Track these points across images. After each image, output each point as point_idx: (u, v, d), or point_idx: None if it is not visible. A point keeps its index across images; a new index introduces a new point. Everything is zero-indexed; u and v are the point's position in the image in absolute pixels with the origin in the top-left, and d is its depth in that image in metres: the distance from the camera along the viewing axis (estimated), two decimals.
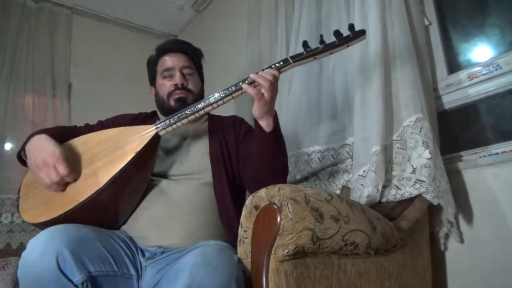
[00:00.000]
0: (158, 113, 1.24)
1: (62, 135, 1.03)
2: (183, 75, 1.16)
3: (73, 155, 0.98)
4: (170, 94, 1.14)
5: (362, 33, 0.94)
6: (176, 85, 1.14)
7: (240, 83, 0.94)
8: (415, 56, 1.15)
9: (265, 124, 0.94)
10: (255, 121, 0.96)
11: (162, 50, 1.21)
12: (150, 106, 1.28)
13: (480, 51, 1.23)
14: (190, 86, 1.16)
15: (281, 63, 0.94)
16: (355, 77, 1.26)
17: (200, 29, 2.69)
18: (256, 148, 0.98)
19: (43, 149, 0.93)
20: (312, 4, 1.57)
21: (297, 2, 1.64)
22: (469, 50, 1.26)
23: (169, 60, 1.17)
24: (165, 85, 1.16)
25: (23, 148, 1.01)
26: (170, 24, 2.89)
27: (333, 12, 1.47)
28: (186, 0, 2.62)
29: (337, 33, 0.91)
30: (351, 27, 0.92)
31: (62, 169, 0.90)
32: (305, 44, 0.94)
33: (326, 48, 0.93)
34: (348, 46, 0.94)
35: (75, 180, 0.94)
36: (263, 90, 0.89)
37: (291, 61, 0.94)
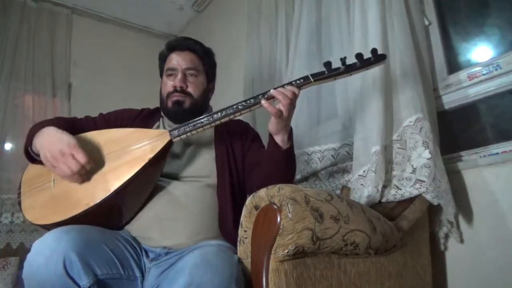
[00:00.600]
0: (162, 112, 1.22)
1: (66, 127, 1.00)
2: (184, 77, 1.13)
3: (84, 149, 0.95)
4: (168, 95, 1.13)
5: (383, 57, 0.96)
6: (175, 86, 1.12)
7: (260, 97, 0.93)
8: (415, 56, 1.15)
9: (280, 140, 0.94)
10: (270, 135, 0.96)
11: (171, 47, 1.19)
12: (150, 106, 1.28)
13: (480, 51, 1.23)
14: (190, 89, 1.13)
15: (302, 80, 0.94)
16: (355, 77, 1.26)
17: (200, 29, 2.69)
18: (266, 161, 0.98)
19: (56, 140, 0.91)
20: (312, 4, 1.57)
21: (297, 2, 1.64)
22: (469, 50, 1.26)
23: (174, 59, 1.15)
24: (167, 84, 1.15)
25: (30, 142, 0.99)
26: (170, 24, 2.89)
27: (333, 12, 1.47)
28: (186, 0, 2.62)
29: (359, 56, 0.94)
30: (373, 51, 0.95)
31: (81, 157, 0.88)
32: (327, 64, 0.95)
33: (347, 69, 0.94)
34: (367, 69, 0.96)
35: (97, 168, 0.92)
36: (282, 108, 0.89)
37: (311, 80, 0.94)
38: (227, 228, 0.99)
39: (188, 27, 2.88)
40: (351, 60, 0.95)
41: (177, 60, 1.15)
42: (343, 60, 0.93)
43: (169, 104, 1.13)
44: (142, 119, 1.19)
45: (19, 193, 0.99)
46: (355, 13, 1.28)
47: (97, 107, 2.44)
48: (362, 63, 0.94)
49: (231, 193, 1.05)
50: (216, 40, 2.43)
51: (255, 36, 1.90)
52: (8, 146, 2.14)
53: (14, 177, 2.05)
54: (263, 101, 0.91)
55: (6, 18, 2.26)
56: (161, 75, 1.23)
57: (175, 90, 1.12)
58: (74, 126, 1.05)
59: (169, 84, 1.14)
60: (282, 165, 0.96)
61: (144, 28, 2.90)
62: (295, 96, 0.91)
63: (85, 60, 2.55)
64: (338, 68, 0.94)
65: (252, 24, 1.95)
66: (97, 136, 1.01)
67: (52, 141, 0.92)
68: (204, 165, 1.08)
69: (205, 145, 1.14)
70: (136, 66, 2.71)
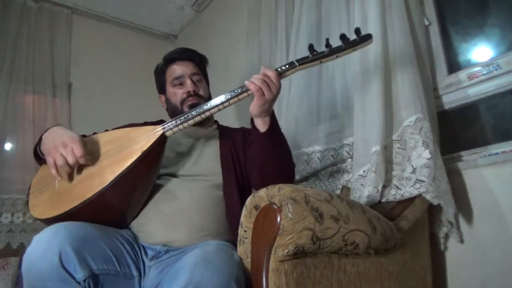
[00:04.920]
0: None
1: None
2: (193, 82, 1.20)
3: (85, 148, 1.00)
4: (183, 101, 1.18)
5: (369, 37, 0.94)
6: (188, 92, 1.17)
7: (245, 87, 0.94)
8: (415, 56, 1.15)
9: (261, 122, 0.94)
10: (252, 120, 0.96)
11: (169, 60, 1.24)
12: (149, 106, 1.29)
13: (480, 51, 1.23)
14: (201, 92, 1.20)
15: (287, 66, 0.95)
16: (355, 77, 1.26)
17: (200, 29, 2.69)
18: (256, 149, 0.99)
19: (62, 133, 0.96)
20: (312, 4, 1.57)
21: (297, 2, 1.64)
22: (469, 50, 1.26)
23: (178, 69, 1.21)
24: (177, 93, 1.19)
25: (39, 143, 1.03)
26: (170, 24, 2.89)
27: (333, 12, 1.47)
28: (186, 0, 2.62)
29: (343, 37, 0.92)
30: (357, 31, 0.92)
31: (79, 150, 0.91)
32: (311, 47, 0.94)
33: (332, 51, 0.93)
34: (354, 50, 0.94)
35: (89, 163, 0.95)
36: (263, 89, 0.89)
37: (297, 64, 0.94)
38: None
39: (188, 27, 2.88)
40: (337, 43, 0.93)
41: (181, 68, 1.21)
42: (327, 42, 0.92)
43: (186, 109, 1.16)
44: None
45: (28, 194, 1.03)
46: (355, 13, 1.28)
47: (97, 107, 2.46)
48: (347, 44, 0.93)
49: (238, 191, 1.06)
50: (216, 40, 2.43)
51: (255, 36, 1.90)
52: (8, 146, 2.14)
53: (14, 177, 2.05)
54: (246, 83, 0.92)
55: (6, 18, 2.26)
56: (162, 90, 1.27)
57: (189, 95, 1.17)
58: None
59: (180, 92, 1.19)
60: (269, 146, 0.96)
61: (144, 28, 2.90)
62: (267, 77, 0.90)
63: (85, 60, 2.55)
64: (322, 52, 0.93)
65: (252, 24, 1.95)
66: (97, 137, 1.04)
67: (57, 134, 0.97)
68: (209, 164, 1.11)
69: (210, 145, 1.17)
70: (136, 66, 2.71)
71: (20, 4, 2.32)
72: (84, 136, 1.19)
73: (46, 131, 1.03)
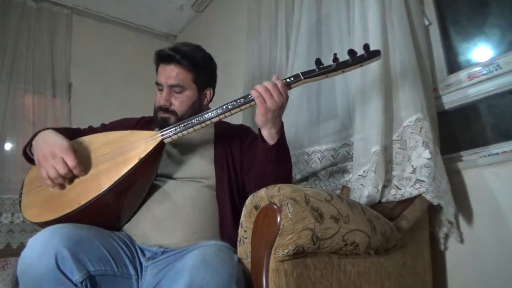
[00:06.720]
0: None
1: (67, 134, 1.02)
2: (170, 93, 1.10)
3: (79, 153, 0.98)
4: (157, 110, 1.12)
5: (377, 53, 0.93)
6: (160, 104, 1.10)
7: (250, 96, 0.92)
8: (415, 56, 1.15)
9: (267, 134, 0.92)
10: (259, 130, 0.94)
11: (158, 58, 1.14)
12: (149, 106, 1.28)
13: (480, 51, 1.23)
14: (174, 107, 1.10)
15: (292, 78, 0.93)
16: (355, 77, 1.26)
17: (200, 29, 2.69)
18: (258, 159, 0.97)
19: (51, 141, 0.94)
20: (312, 4, 1.57)
21: (297, 2, 1.64)
22: (469, 50, 1.26)
23: (161, 74, 1.11)
24: (156, 98, 1.13)
25: (29, 144, 1.01)
26: (170, 24, 2.90)
27: (333, 12, 1.47)
28: (186, 0, 2.62)
29: (351, 52, 0.90)
30: (366, 46, 0.91)
31: (71, 161, 0.90)
32: (318, 61, 0.92)
33: (339, 67, 0.91)
34: (361, 66, 0.93)
35: (82, 173, 0.93)
36: (264, 96, 0.88)
37: (302, 77, 0.92)
38: (227, 230, 0.99)
39: (188, 27, 2.88)
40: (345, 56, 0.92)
41: (162, 75, 1.11)
42: (334, 57, 0.91)
43: (158, 118, 1.11)
44: (142, 126, 1.20)
45: (21, 194, 1.01)
46: (355, 13, 1.28)
47: (97, 107, 2.46)
48: (355, 60, 0.91)
49: (230, 194, 1.05)
50: (216, 40, 2.43)
51: (255, 36, 1.90)
52: (8, 146, 2.14)
53: (14, 177, 2.05)
54: (251, 91, 0.90)
55: (6, 18, 2.27)
56: None
57: (160, 108, 1.10)
58: (76, 135, 1.06)
59: (157, 99, 1.13)
60: (272, 159, 0.94)
61: (144, 28, 2.90)
62: (274, 87, 0.88)
63: (85, 60, 2.56)
64: (329, 66, 0.92)
65: (252, 24, 1.95)
66: (94, 139, 1.03)
67: (46, 142, 0.95)
68: (203, 166, 1.08)
69: (204, 146, 1.14)
70: (136, 66, 2.71)
71: (20, 4, 2.33)
72: (79, 129, 1.18)
73: (36, 134, 1.01)
